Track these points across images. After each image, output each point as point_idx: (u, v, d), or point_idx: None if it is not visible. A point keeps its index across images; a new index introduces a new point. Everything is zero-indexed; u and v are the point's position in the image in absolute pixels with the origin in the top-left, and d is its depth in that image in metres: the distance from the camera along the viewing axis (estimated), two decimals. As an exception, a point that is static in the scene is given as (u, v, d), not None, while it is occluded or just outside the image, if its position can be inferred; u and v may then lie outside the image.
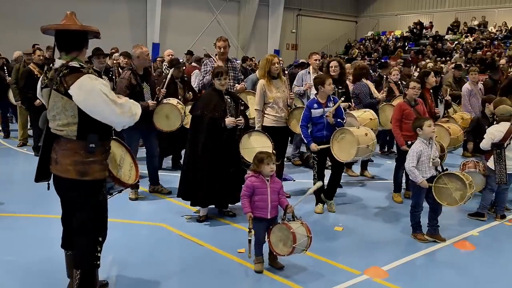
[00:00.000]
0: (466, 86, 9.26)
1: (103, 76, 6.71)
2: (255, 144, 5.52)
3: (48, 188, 3.47)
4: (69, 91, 3.14)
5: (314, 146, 5.72)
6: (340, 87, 6.95)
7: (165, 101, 6.48)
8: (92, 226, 3.38)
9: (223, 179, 5.35)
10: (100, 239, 3.43)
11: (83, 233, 3.38)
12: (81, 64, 3.27)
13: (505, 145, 5.62)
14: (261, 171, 4.25)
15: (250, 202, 4.22)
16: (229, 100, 5.47)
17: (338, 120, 5.80)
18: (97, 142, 3.26)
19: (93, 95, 3.14)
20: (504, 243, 5.22)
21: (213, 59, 6.98)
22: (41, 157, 3.41)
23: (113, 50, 10.38)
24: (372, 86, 7.81)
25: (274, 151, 5.24)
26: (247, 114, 5.81)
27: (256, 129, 6.02)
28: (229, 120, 5.30)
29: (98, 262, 3.44)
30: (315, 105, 5.79)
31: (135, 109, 3.39)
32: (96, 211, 3.38)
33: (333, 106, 5.78)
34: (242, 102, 5.64)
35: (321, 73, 7.32)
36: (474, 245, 5.03)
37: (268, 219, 4.23)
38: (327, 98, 5.83)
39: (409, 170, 4.99)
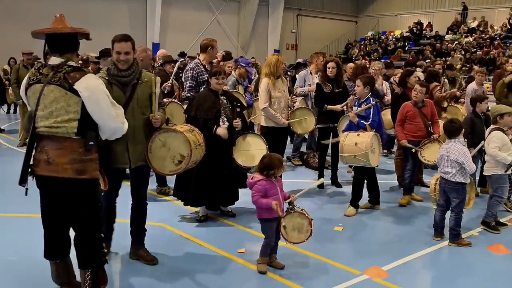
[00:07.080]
0: (472, 86, 9.16)
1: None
2: (249, 147, 5.39)
3: (26, 194, 3.36)
4: (74, 86, 3.18)
5: None
6: (337, 87, 6.94)
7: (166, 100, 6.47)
8: (95, 224, 3.43)
9: (214, 181, 5.28)
10: (102, 235, 3.53)
11: (88, 232, 3.41)
12: (77, 65, 3.34)
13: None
14: (273, 174, 4.20)
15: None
16: (225, 101, 5.31)
17: (361, 121, 5.78)
18: (95, 140, 3.31)
19: (97, 93, 3.23)
20: (504, 242, 5.21)
21: (199, 61, 6.30)
22: (26, 160, 3.30)
23: None
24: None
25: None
26: (245, 115, 5.70)
27: (258, 128, 5.95)
28: (221, 130, 5.11)
29: (106, 258, 3.52)
30: (356, 102, 6.01)
31: (124, 119, 3.51)
32: (95, 209, 3.42)
33: (363, 106, 5.82)
34: (239, 104, 5.47)
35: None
36: (473, 244, 5.03)
37: (278, 217, 4.19)
38: (363, 97, 5.88)
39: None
